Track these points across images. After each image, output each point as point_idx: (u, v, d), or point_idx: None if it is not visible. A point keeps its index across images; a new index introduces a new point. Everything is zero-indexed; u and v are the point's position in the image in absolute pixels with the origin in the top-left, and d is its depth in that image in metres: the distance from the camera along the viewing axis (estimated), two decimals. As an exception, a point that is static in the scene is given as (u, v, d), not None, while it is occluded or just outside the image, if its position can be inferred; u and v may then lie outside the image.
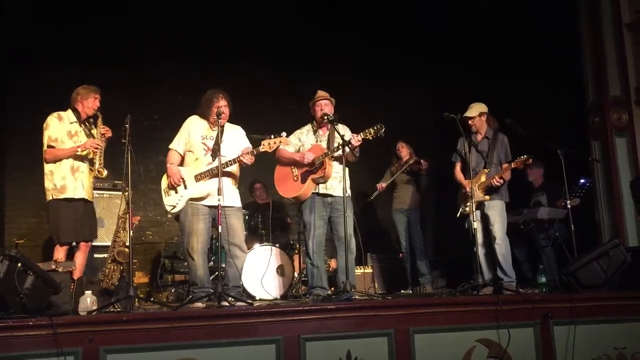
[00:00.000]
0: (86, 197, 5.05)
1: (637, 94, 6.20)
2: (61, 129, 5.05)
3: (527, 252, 6.40)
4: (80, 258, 5.07)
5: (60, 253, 4.95)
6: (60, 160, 4.99)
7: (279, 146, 4.81)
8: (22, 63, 7.09)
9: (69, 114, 5.12)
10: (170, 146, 5.05)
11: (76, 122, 5.11)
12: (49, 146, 5.00)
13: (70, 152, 4.99)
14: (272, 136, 4.74)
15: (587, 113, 6.44)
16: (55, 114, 5.09)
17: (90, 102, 5.10)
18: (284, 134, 4.78)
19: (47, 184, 4.99)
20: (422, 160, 6.79)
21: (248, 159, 4.76)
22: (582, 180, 6.36)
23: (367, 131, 4.85)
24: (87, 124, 5.16)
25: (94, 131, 5.15)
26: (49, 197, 4.98)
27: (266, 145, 4.72)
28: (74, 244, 5.07)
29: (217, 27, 7.63)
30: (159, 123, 7.61)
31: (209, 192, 4.80)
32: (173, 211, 4.92)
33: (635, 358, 4.24)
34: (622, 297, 4.42)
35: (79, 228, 5.02)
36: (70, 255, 5.05)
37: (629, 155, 6.14)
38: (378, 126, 4.82)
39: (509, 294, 4.68)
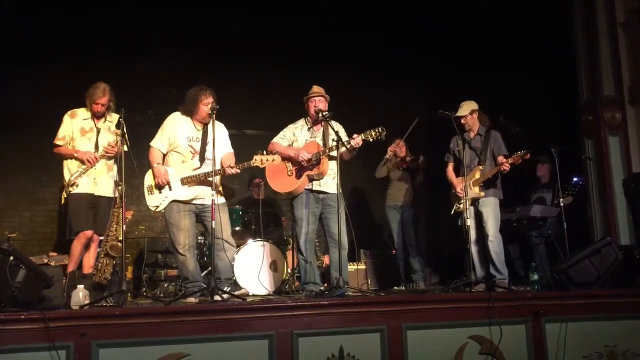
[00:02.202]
0: (96, 194, 5.03)
1: (630, 93, 6.22)
2: (73, 126, 5.08)
3: (520, 250, 6.43)
4: (87, 256, 5.08)
5: (79, 242, 4.94)
6: (66, 158, 5.04)
7: (270, 162, 4.76)
8: (15, 59, 7.03)
9: (83, 111, 5.14)
10: (152, 144, 4.98)
11: (89, 119, 5.13)
12: (55, 144, 5.04)
13: (69, 154, 5.02)
14: (265, 152, 4.74)
15: (581, 111, 6.46)
16: (69, 112, 5.14)
17: (94, 107, 5.07)
18: (278, 156, 4.79)
19: (65, 177, 5.04)
20: (421, 157, 6.82)
21: (233, 172, 4.75)
22: (575, 179, 6.39)
23: (368, 133, 4.86)
24: (98, 121, 5.15)
25: (103, 129, 5.13)
26: (67, 192, 5.03)
27: (258, 161, 4.69)
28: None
29: (214, 24, 7.59)
30: (153, 118, 7.57)
31: (195, 196, 4.81)
32: (156, 210, 4.91)
33: (625, 356, 4.25)
34: (613, 295, 4.44)
35: (89, 218, 5.01)
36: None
37: (622, 153, 6.16)
38: (380, 129, 4.83)
39: (501, 291, 4.70)
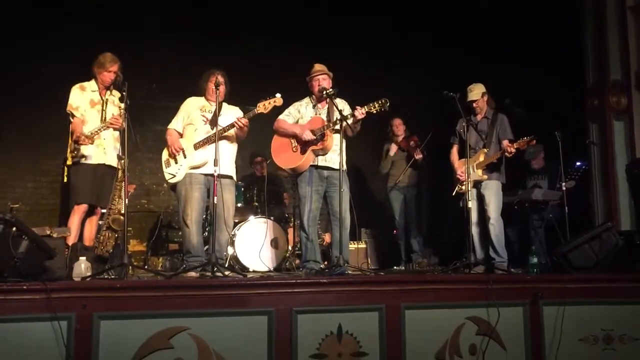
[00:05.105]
0: (106, 163, 5.09)
1: (637, 78, 6.17)
2: (84, 98, 5.11)
3: (520, 233, 6.44)
4: (88, 227, 5.12)
5: (75, 215, 5.00)
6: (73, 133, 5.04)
7: (273, 106, 4.89)
8: (17, 32, 6.99)
9: (91, 84, 5.17)
10: (169, 126, 5.16)
11: (97, 91, 5.16)
12: (71, 114, 5.06)
13: (79, 129, 5.00)
14: (267, 97, 4.87)
15: (587, 96, 6.42)
16: (78, 85, 5.15)
17: (105, 75, 5.10)
18: (278, 95, 4.90)
19: (69, 148, 5.05)
20: (421, 151, 6.78)
21: (244, 122, 4.86)
22: (577, 163, 6.38)
23: (371, 105, 4.84)
24: (104, 92, 5.17)
25: (109, 101, 5.16)
26: (69, 162, 5.04)
27: (261, 107, 4.85)
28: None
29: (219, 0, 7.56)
30: (157, 92, 7.57)
31: (207, 159, 4.88)
32: (173, 180, 5.01)
33: (622, 340, 4.29)
34: (611, 279, 4.45)
35: (94, 190, 5.05)
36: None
37: (626, 139, 6.15)
38: (383, 100, 4.81)
39: (500, 273, 4.73)
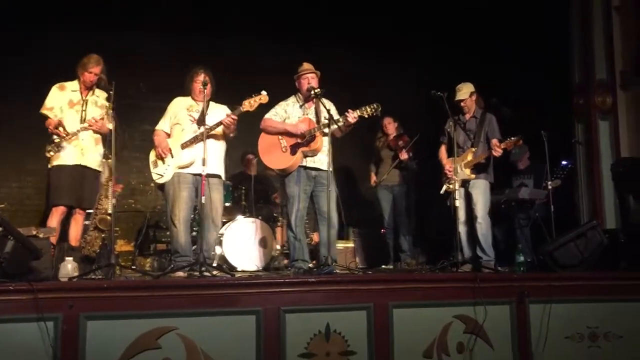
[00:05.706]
0: (83, 164, 4.95)
1: (622, 77, 6.23)
2: (61, 98, 5.00)
3: (506, 232, 6.48)
4: (74, 228, 5.02)
5: (54, 217, 4.89)
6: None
7: (259, 104, 4.85)
8: (6, 28, 6.93)
9: (72, 84, 5.07)
10: (157, 127, 5.12)
11: (78, 91, 5.05)
12: (43, 114, 4.94)
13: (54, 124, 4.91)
14: (253, 95, 4.83)
15: (573, 95, 6.47)
16: (58, 84, 5.06)
17: (86, 76, 4.99)
18: (263, 92, 4.85)
19: (47, 148, 4.94)
20: (407, 152, 6.80)
21: (230, 120, 4.82)
22: (563, 162, 6.43)
23: (363, 109, 4.85)
24: (86, 93, 5.07)
25: (91, 102, 5.06)
26: (50, 164, 4.95)
27: (247, 105, 4.80)
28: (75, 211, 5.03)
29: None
30: (144, 91, 7.53)
31: (195, 159, 4.84)
32: (161, 180, 4.96)
33: (607, 337, 4.33)
34: (597, 277, 4.50)
35: (73, 192, 4.92)
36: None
37: (611, 138, 6.21)
38: (375, 105, 4.83)
39: (487, 272, 4.75)
